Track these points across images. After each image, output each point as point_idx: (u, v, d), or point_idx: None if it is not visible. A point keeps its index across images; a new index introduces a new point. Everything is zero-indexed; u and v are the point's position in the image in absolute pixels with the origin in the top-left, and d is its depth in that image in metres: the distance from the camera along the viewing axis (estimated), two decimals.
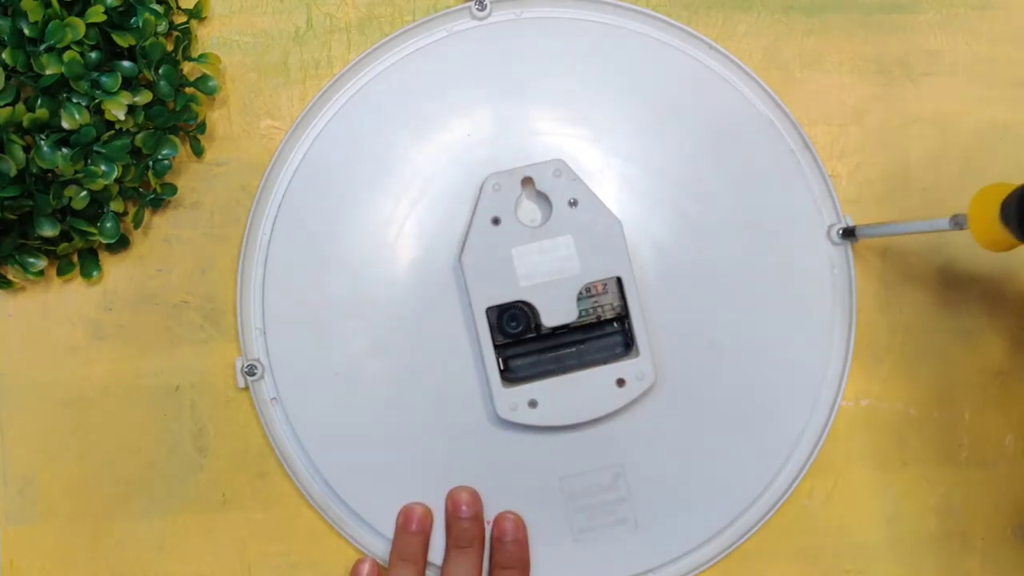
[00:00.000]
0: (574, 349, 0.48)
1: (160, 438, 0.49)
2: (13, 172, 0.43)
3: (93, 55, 0.45)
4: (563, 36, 0.50)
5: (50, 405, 0.49)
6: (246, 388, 0.49)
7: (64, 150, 0.44)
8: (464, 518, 0.47)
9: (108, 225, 0.47)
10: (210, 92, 0.48)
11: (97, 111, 0.45)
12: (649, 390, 0.47)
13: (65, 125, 0.44)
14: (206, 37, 0.50)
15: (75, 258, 0.49)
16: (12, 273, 0.48)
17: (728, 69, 0.51)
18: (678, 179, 0.50)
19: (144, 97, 0.45)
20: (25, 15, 0.43)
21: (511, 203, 0.47)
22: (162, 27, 0.46)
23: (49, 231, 0.45)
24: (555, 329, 0.48)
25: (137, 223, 0.48)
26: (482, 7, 0.50)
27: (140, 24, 0.46)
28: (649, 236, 0.49)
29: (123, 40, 0.45)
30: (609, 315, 0.48)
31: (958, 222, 0.42)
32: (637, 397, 0.47)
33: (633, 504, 0.49)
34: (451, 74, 0.50)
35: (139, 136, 0.46)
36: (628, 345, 0.48)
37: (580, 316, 0.48)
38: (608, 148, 0.49)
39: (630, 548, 0.49)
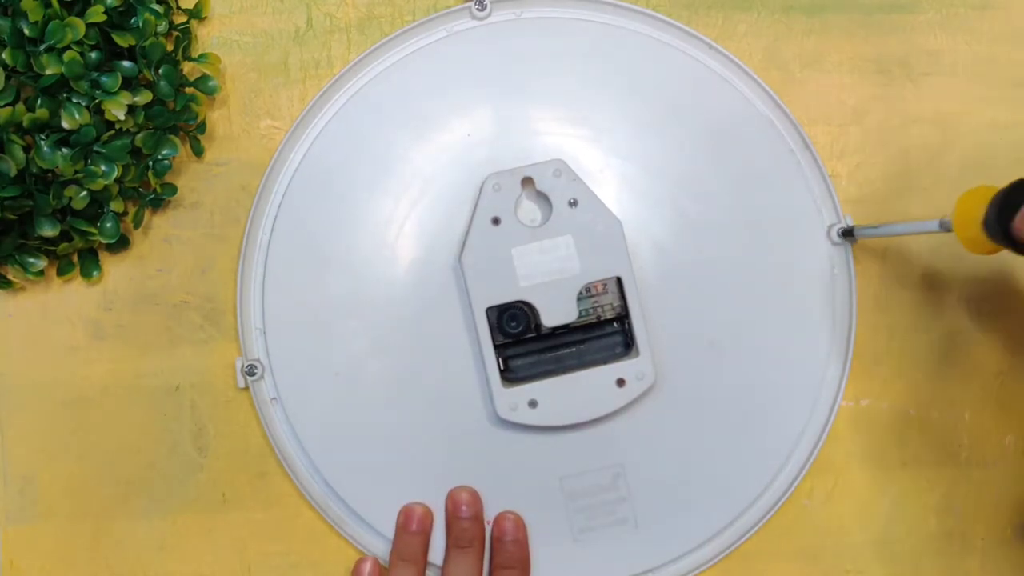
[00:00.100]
0: (574, 349, 0.48)
1: (160, 438, 0.49)
2: (13, 172, 0.43)
3: (93, 55, 0.45)
4: (563, 36, 0.50)
5: (50, 405, 0.49)
6: (246, 388, 0.49)
7: (64, 150, 0.44)
8: (464, 518, 0.47)
9: (108, 225, 0.47)
10: (210, 92, 0.48)
11: (97, 111, 0.45)
12: (649, 390, 0.47)
13: (65, 125, 0.44)
14: (206, 37, 0.50)
15: (75, 258, 0.49)
16: (12, 273, 0.48)
17: (728, 69, 0.51)
18: (678, 179, 0.50)
19: (144, 97, 0.45)
20: (25, 15, 0.43)
21: (511, 203, 0.47)
22: (162, 27, 0.46)
23: (49, 231, 0.45)
24: (555, 329, 0.48)
25: (137, 223, 0.48)
26: (482, 7, 0.50)
27: (140, 24, 0.46)
28: (649, 236, 0.49)
29: (123, 40, 0.45)
30: (609, 315, 0.48)
31: (946, 226, 0.42)
32: (637, 397, 0.47)
33: (633, 504, 0.49)
34: (451, 74, 0.50)
35: (139, 136, 0.46)
36: (628, 345, 0.48)
37: (580, 316, 0.48)
38: (608, 148, 0.50)
39: (630, 548, 0.49)
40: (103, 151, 0.45)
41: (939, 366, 0.51)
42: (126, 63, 0.46)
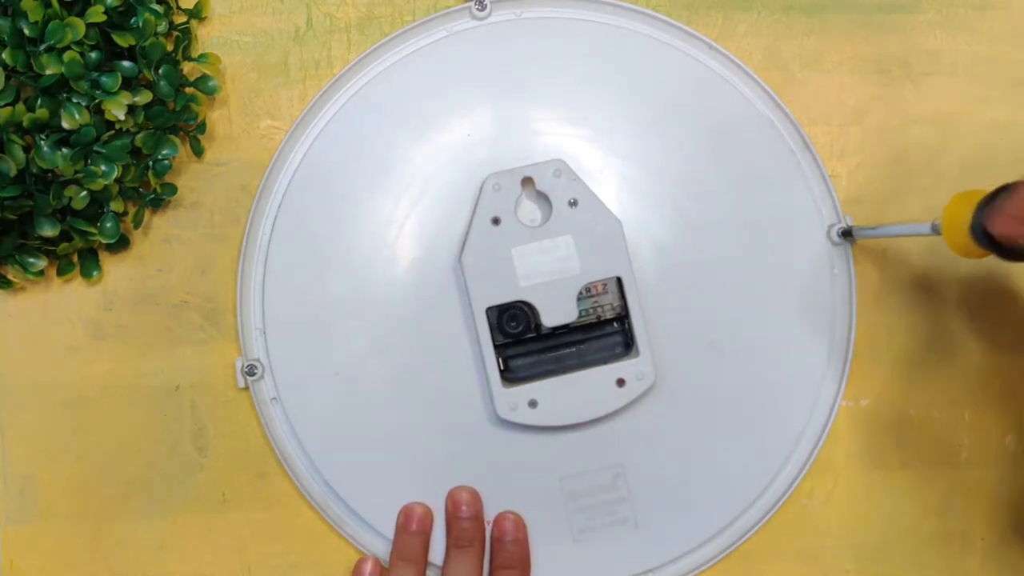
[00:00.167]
0: (574, 349, 0.48)
1: (160, 438, 0.49)
2: (13, 172, 0.43)
3: (93, 55, 0.45)
4: (563, 36, 0.50)
5: (50, 405, 0.49)
6: (246, 388, 0.49)
7: (64, 150, 0.44)
8: (464, 518, 0.47)
9: (108, 225, 0.47)
10: (210, 92, 0.48)
11: (97, 111, 0.45)
12: (649, 390, 0.47)
13: (65, 125, 0.44)
14: (206, 37, 0.50)
15: (75, 258, 0.49)
16: (12, 273, 0.48)
17: (728, 69, 0.51)
18: (678, 179, 0.50)
19: (144, 97, 0.45)
20: (25, 15, 0.43)
21: (511, 203, 0.47)
22: (162, 27, 0.46)
23: (49, 231, 0.45)
24: (555, 329, 0.48)
25: (137, 223, 0.48)
26: (482, 7, 0.50)
27: (140, 24, 0.46)
28: (649, 236, 0.49)
29: (123, 40, 0.45)
30: (609, 315, 0.48)
31: (937, 228, 0.42)
32: (637, 397, 0.47)
33: (633, 504, 0.49)
34: (451, 74, 0.50)
35: (139, 136, 0.46)
36: (628, 345, 0.48)
37: (580, 316, 0.48)
38: (608, 148, 0.49)
39: (630, 548, 0.49)
40: (103, 151, 0.45)
41: (939, 366, 0.51)
42: (126, 63, 0.46)
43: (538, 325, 0.47)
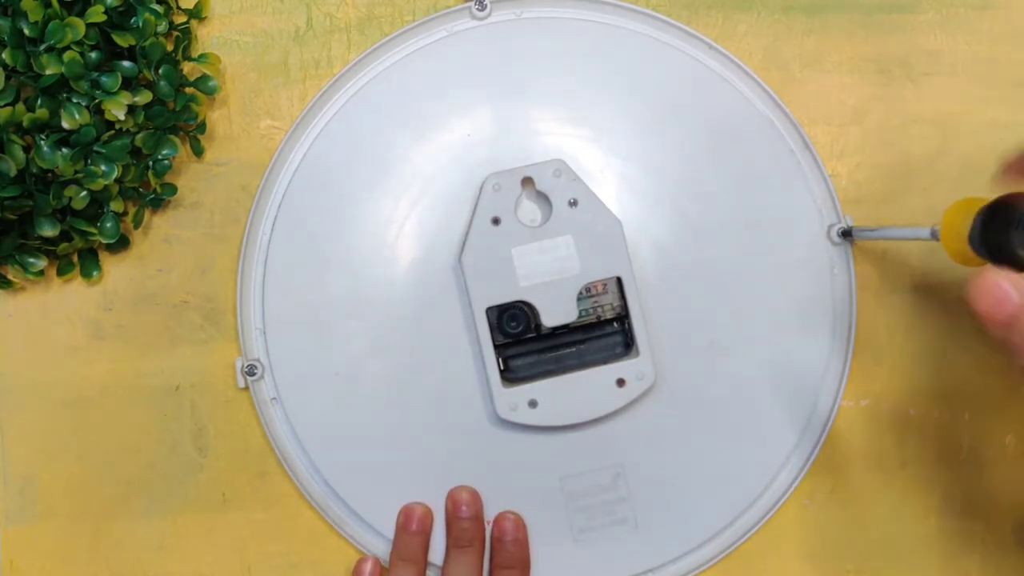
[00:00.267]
0: (574, 349, 0.48)
1: (160, 438, 0.49)
2: (13, 172, 0.43)
3: (93, 55, 0.45)
4: (563, 36, 0.50)
5: (50, 405, 0.49)
6: (246, 388, 0.49)
7: (64, 150, 0.44)
8: (464, 518, 0.47)
9: (108, 225, 0.47)
10: (210, 92, 0.48)
11: (97, 111, 0.45)
12: (649, 390, 0.47)
13: (65, 125, 0.44)
14: (206, 37, 0.50)
15: (75, 258, 0.49)
16: (12, 273, 0.48)
17: (728, 69, 0.51)
18: (678, 179, 0.50)
19: (144, 97, 0.45)
20: (25, 15, 0.43)
21: (511, 203, 0.47)
22: (162, 27, 0.46)
23: (49, 231, 0.45)
24: (555, 329, 0.48)
25: (137, 223, 0.48)
26: (482, 7, 0.50)
27: (140, 24, 0.46)
28: (649, 236, 0.49)
29: (123, 40, 0.45)
30: (609, 315, 0.48)
31: (936, 234, 0.42)
32: (637, 397, 0.47)
33: (633, 504, 0.49)
34: (451, 74, 0.50)
35: (139, 136, 0.46)
36: (628, 345, 0.48)
37: (580, 316, 0.48)
38: (608, 148, 0.50)
39: (630, 548, 0.49)
40: (103, 151, 0.45)
41: (939, 366, 0.51)
42: (126, 63, 0.46)
43: (538, 325, 0.47)
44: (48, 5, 0.43)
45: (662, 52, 0.51)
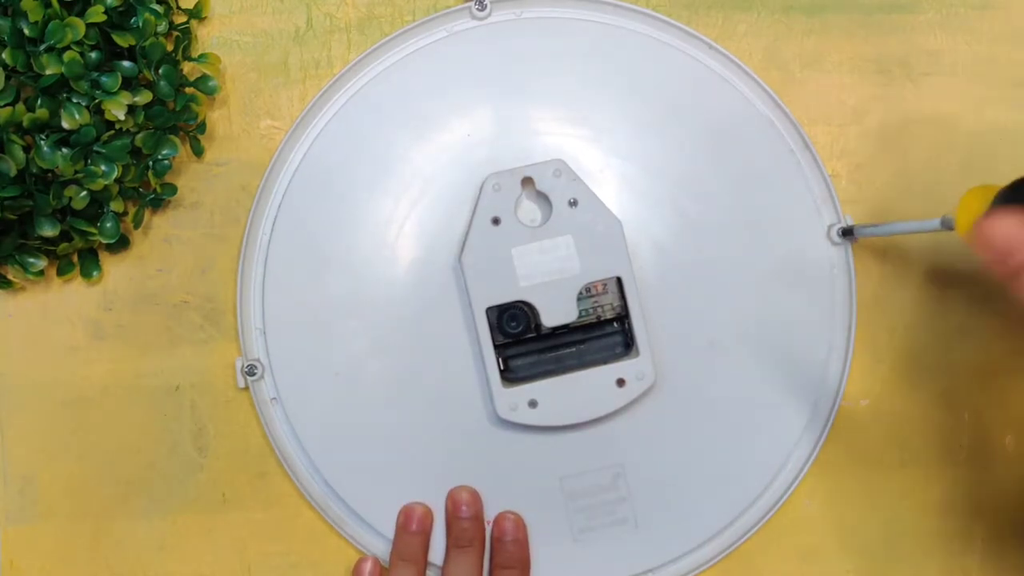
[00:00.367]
0: (574, 349, 0.48)
1: (160, 438, 0.49)
2: (13, 172, 0.43)
3: (93, 55, 0.45)
4: (563, 36, 0.50)
5: (50, 405, 0.49)
6: (246, 388, 0.49)
7: (64, 150, 0.44)
8: (464, 518, 0.47)
9: (108, 225, 0.47)
10: (210, 92, 0.48)
11: (97, 111, 0.45)
12: (649, 390, 0.47)
13: (65, 125, 0.44)
14: (206, 37, 0.50)
15: (75, 258, 0.49)
16: (12, 273, 0.48)
17: (728, 69, 0.51)
18: (678, 179, 0.50)
19: (144, 97, 0.45)
20: (25, 15, 0.43)
21: (511, 203, 0.47)
22: (162, 27, 0.46)
23: (49, 231, 0.45)
24: (555, 329, 0.48)
25: (137, 223, 0.48)
26: (482, 7, 0.50)
27: (140, 24, 0.46)
28: (649, 236, 0.49)
29: (123, 40, 0.45)
30: (609, 315, 0.48)
31: (947, 223, 0.42)
32: (637, 397, 0.47)
33: (633, 504, 0.49)
34: (451, 74, 0.50)
35: (139, 136, 0.46)
36: (628, 345, 0.48)
37: (580, 316, 0.48)
38: (608, 148, 0.50)
39: (630, 548, 0.49)
40: (103, 151, 0.45)
41: (939, 366, 0.51)
42: (126, 63, 0.46)
43: (538, 325, 0.47)
44: (48, 5, 0.43)
45: (662, 52, 0.51)
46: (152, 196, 0.48)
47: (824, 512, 0.50)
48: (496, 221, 0.47)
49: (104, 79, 0.45)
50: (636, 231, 0.48)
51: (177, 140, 0.48)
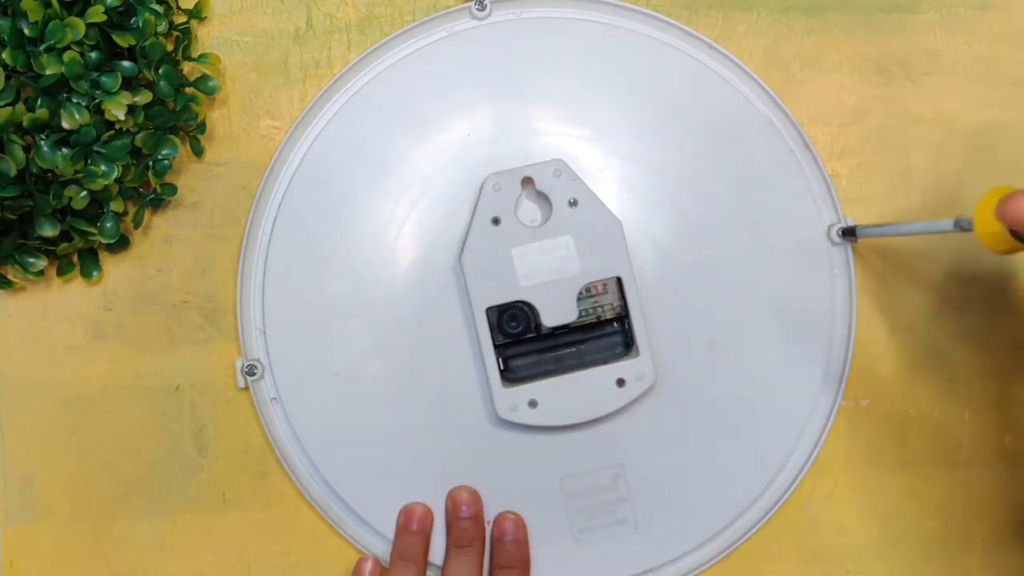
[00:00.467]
0: (574, 349, 0.48)
1: (160, 438, 0.49)
2: (13, 172, 0.43)
3: (93, 55, 0.45)
4: (563, 36, 0.50)
5: (50, 405, 0.49)
6: (246, 388, 0.49)
7: (64, 150, 0.44)
8: (464, 518, 0.47)
9: (108, 225, 0.47)
10: (210, 92, 0.48)
11: (97, 111, 0.45)
12: (649, 390, 0.47)
13: (65, 125, 0.44)
14: (206, 37, 0.50)
15: (75, 258, 0.49)
16: (12, 273, 0.48)
17: (728, 69, 0.51)
18: (678, 179, 0.50)
19: (144, 97, 0.45)
20: (25, 15, 0.43)
21: (511, 203, 0.47)
22: (162, 27, 0.46)
23: (49, 231, 0.45)
24: (555, 329, 0.48)
25: (137, 223, 0.48)
26: (482, 7, 0.50)
27: (140, 24, 0.46)
28: (649, 236, 0.49)
29: (123, 40, 0.45)
30: (609, 315, 0.48)
31: (962, 225, 0.42)
32: (637, 397, 0.47)
33: (633, 504, 0.49)
34: (451, 74, 0.50)
35: (139, 136, 0.46)
36: (628, 345, 0.48)
37: (580, 316, 0.48)
38: (608, 148, 0.50)
39: (630, 548, 0.49)
40: (103, 151, 0.45)
41: (939, 366, 0.51)
42: (126, 63, 0.46)
43: (538, 325, 0.47)
44: (48, 5, 0.43)
45: (662, 52, 0.51)
46: (152, 196, 0.48)
47: (824, 512, 0.50)
48: (496, 221, 0.47)
49: (104, 79, 0.45)
50: (636, 231, 0.48)
51: (177, 140, 0.48)
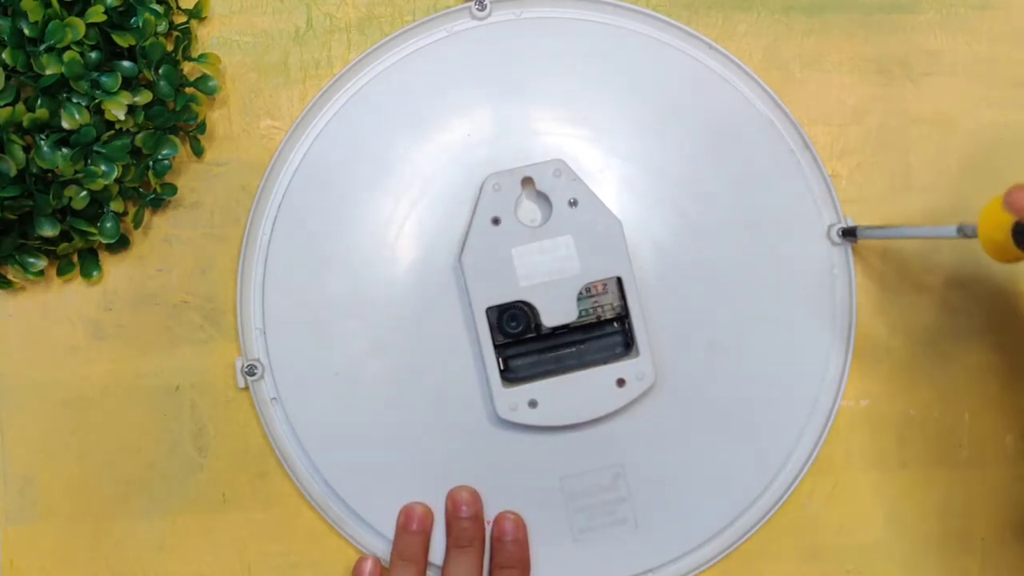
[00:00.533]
0: (574, 349, 0.48)
1: (160, 438, 0.49)
2: (13, 172, 0.43)
3: (93, 55, 0.45)
4: (563, 36, 0.50)
5: (50, 405, 0.49)
6: (246, 388, 0.49)
7: (64, 150, 0.44)
8: (464, 518, 0.47)
9: (108, 225, 0.47)
10: (210, 92, 0.48)
11: (97, 111, 0.45)
12: (649, 390, 0.47)
13: (65, 125, 0.44)
14: (206, 37, 0.50)
15: (75, 258, 0.49)
16: (12, 273, 0.48)
17: (728, 69, 0.51)
18: (678, 179, 0.50)
19: (144, 97, 0.45)
20: (25, 15, 0.43)
21: (511, 203, 0.47)
22: (162, 27, 0.46)
23: (49, 231, 0.45)
24: (555, 329, 0.48)
25: (137, 223, 0.48)
26: (482, 7, 0.50)
27: (140, 24, 0.46)
28: (649, 236, 0.49)
29: (123, 40, 0.45)
30: (609, 315, 0.48)
31: (965, 232, 0.42)
32: (637, 397, 0.47)
33: (633, 504, 0.49)
34: (451, 74, 0.50)
35: (139, 136, 0.46)
36: (628, 345, 0.48)
37: (580, 316, 0.48)
38: (608, 148, 0.50)
39: (630, 548, 0.49)
40: (103, 151, 0.45)
41: (939, 366, 0.51)
42: (126, 63, 0.46)
43: (538, 325, 0.47)
44: (48, 5, 0.43)
45: (662, 52, 0.51)
46: (152, 196, 0.48)
47: (824, 512, 0.50)
48: (496, 221, 0.47)
49: (104, 79, 0.45)
50: (636, 231, 0.48)
51: (177, 140, 0.48)
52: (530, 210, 0.49)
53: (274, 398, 0.48)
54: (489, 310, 0.47)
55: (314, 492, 0.49)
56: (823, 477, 0.50)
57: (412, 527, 0.47)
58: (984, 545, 0.51)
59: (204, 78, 0.48)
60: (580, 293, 0.47)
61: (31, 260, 0.47)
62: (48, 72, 0.43)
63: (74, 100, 0.44)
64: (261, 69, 0.50)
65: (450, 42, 0.50)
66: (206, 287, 0.49)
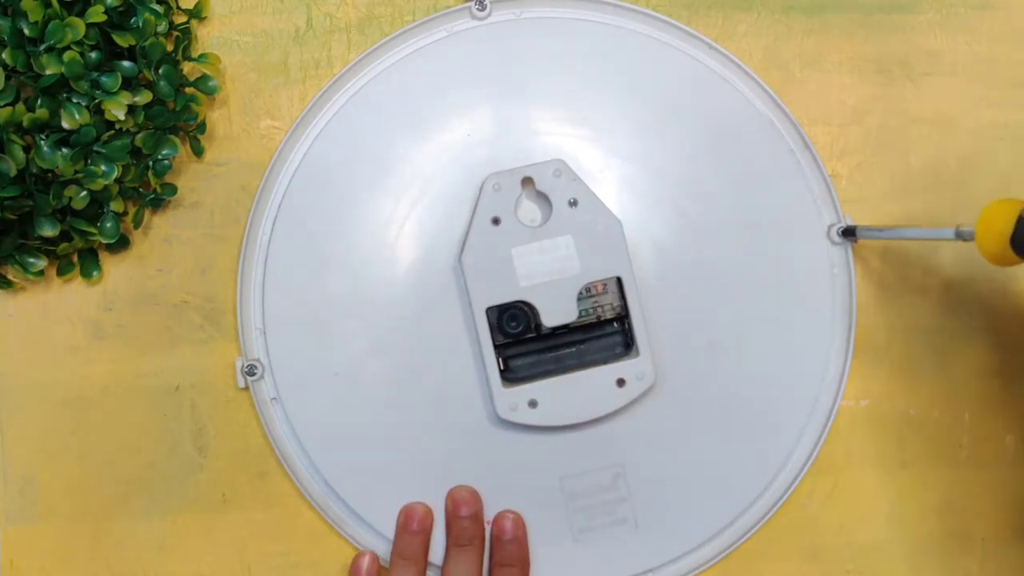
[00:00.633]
0: (574, 349, 0.48)
1: (160, 438, 0.49)
2: (13, 172, 0.43)
3: (93, 55, 0.45)
4: (563, 36, 0.50)
5: (50, 405, 0.49)
6: (246, 388, 0.49)
7: (64, 150, 0.44)
8: (464, 517, 0.47)
9: (108, 225, 0.47)
10: (210, 92, 0.48)
11: (97, 111, 0.45)
12: (649, 390, 0.47)
13: (65, 125, 0.44)
14: (206, 37, 0.50)
15: (75, 258, 0.49)
16: (12, 273, 0.48)
17: (728, 69, 0.51)
18: (678, 179, 0.50)
19: (144, 97, 0.45)
20: (25, 15, 0.43)
21: (511, 203, 0.47)
22: (162, 27, 0.46)
23: (49, 231, 0.45)
24: (555, 329, 0.48)
25: (137, 223, 0.48)
26: (482, 7, 0.50)
27: (140, 24, 0.46)
28: (649, 236, 0.49)
29: (123, 40, 0.45)
30: (609, 315, 0.48)
31: (963, 235, 0.42)
32: (637, 397, 0.47)
33: (633, 504, 0.49)
34: (451, 74, 0.50)
35: (139, 136, 0.46)
36: (628, 345, 0.48)
37: (580, 316, 0.48)
38: (608, 148, 0.50)
39: (630, 548, 0.49)
40: (103, 151, 0.45)
41: (939, 366, 0.51)
42: (126, 63, 0.46)
43: (538, 325, 0.47)
44: (48, 5, 0.43)
45: (662, 52, 0.51)
46: (152, 196, 0.48)
47: (824, 512, 0.50)
48: (496, 221, 0.47)
49: (104, 79, 0.45)
50: (636, 231, 0.49)
51: (177, 140, 0.48)
52: (530, 210, 0.49)
53: (274, 398, 0.48)
54: (489, 310, 0.47)
55: (314, 492, 0.49)
56: (823, 477, 0.50)
57: (412, 527, 0.47)
58: (984, 545, 0.51)
59: (204, 78, 0.48)
60: (580, 293, 0.47)
61: (31, 260, 0.47)
62: (48, 72, 0.43)
63: (74, 100, 0.44)
64: (261, 69, 0.50)
65: (450, 42, 0.50)
66: (206, 287, 0.49)
